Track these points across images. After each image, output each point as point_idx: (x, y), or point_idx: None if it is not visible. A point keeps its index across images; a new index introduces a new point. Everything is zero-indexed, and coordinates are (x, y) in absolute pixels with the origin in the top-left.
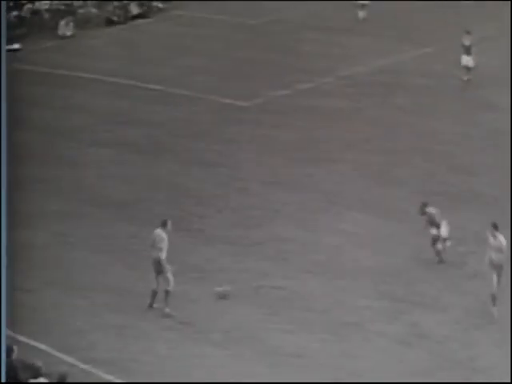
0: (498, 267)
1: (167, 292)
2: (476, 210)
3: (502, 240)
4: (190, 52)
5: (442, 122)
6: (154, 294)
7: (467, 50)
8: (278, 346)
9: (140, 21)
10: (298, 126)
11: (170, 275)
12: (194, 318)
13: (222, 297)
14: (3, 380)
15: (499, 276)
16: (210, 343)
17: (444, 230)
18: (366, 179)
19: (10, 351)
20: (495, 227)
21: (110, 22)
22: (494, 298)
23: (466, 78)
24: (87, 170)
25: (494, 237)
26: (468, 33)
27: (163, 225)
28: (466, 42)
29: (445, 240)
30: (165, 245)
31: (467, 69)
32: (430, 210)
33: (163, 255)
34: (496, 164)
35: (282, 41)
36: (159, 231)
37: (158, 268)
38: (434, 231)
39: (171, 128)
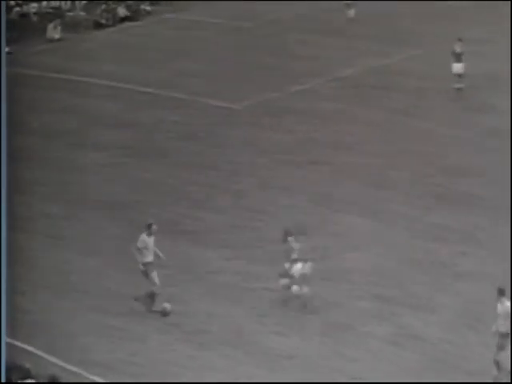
0: (504, 336)
1: (152, 293)
2: (468, 211)
3: (508, 306)
4: (181, 55)
5: (435, 123)
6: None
7: (458, 58)
8: (270, 348)
9: (128, 24)
10: (289, 128)
11: (155, 277)
12: (185, 319)
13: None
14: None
15: (504, 347)
16: (202, 345)
17: (298, 269)
18: (358, 181)
19: None
20: (501, 293)
21: (98, 25)
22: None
23: (457, 86)
24: (80, 172)
25: (501, 303)
26: (460, 40)
27: (147, 228)
28: (458, 49)
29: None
30: (145, 248)
31: (459, 76)
32: (291, 240)
33: (146, 259)
34: (489, 166)
35: (271, 43)
36: (143, 235)
37: (143, 271)
38: (285, 268)
39: (163, 131)
